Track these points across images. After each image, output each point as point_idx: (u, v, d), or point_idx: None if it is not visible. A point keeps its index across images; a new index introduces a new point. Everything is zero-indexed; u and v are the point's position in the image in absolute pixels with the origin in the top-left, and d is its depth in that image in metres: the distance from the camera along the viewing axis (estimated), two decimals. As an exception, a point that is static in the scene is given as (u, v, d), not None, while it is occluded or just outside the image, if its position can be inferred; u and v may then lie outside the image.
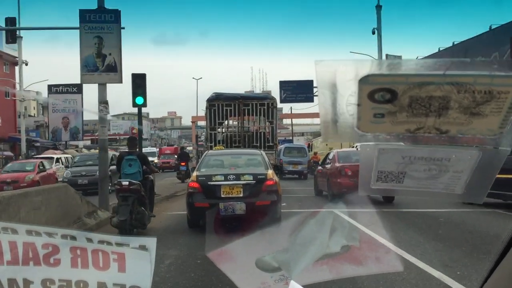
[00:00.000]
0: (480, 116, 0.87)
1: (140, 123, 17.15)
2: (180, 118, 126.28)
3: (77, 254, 2.03)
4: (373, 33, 30.86)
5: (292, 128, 61.12)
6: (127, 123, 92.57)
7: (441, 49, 30.50)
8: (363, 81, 0.85)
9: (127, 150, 10.31)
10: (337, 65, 0.86)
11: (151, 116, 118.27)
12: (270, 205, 9.08)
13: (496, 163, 1.00)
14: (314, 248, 1.86)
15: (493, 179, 1.03)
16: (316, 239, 1.56)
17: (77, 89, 50.62)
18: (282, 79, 48.93)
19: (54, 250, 2.04)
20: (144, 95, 15.43)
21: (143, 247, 2.07)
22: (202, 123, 50.86)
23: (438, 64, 0.83)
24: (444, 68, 0.82)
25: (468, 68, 0.83)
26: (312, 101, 47.66)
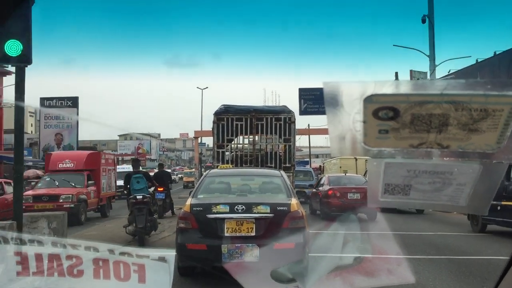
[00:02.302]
0: (478, 132, 0.94)
1: (19, 98, 7.51)
2: (192, 139, 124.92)
3: (99, 265, 2.12)
4: (423, 21, 26.52)
5: (309, 147, 51.52)
6: (134, 143, 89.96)
7: (479, 60, 26.35)
8: (368, 100, 0.92)
9: (133, 170, 11.95)
10: (343, 86, 0.94)
11: (163, 137, 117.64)
12: (295, 249, 6.34)
13: (496, 177, 1.06)
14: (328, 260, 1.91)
15: (494, 191, 1.09)
16: None
17: (72, 102, 46.67)
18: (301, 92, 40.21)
19: (77, 261, 2.13)
20: (25, 38, 7.15)
21: (162, 259, 2.15)
22: (207, 139, 39.72)
23: (436, 84, 0.90)
24: (441, 88, 0.89)
25: (464, 88, 0.90)
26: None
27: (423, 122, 0.94)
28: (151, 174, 15.29)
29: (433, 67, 25.67)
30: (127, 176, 11.66)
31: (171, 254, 2.26)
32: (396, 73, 29.68)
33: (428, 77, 24.37)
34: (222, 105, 15.91)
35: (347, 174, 19.30)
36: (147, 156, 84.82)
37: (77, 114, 47.31)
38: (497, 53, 25.07)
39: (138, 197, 10.77)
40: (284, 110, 16.26)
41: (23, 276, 2.20)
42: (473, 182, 1.08)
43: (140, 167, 12.73)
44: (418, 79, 28.47)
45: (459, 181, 1.09)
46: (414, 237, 11.29)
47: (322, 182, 18.11)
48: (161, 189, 16.10)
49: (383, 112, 0.94)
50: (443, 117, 0.93)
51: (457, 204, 1.15)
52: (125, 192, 11.84)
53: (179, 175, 64.61)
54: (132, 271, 2.16)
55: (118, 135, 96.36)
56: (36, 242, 2.23)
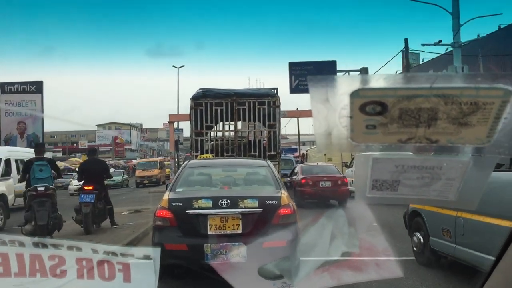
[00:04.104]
0: (468, 126, 0.91)
1: None
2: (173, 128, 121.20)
3: (83, 265, 2.07)
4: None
5: (298, 133, 46.81)
6: (113, 133, 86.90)
7: (481, 35, 24.52)
8: (354, 95, 0.89)
9: (36, 156, 10.05)
10: (329, 80, 0.91)
11: (145, 127, 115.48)
12: (286, 247, 5.40)
13: (486, 171, 1.04)
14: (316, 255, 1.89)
15: (484, 186, 1.07)
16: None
17: (36, 87, 42.75)
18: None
19: (60, 261, 2.08)
20: None
21: (147, 257, 2.11)
22: (184, 125, 33.80)
23: (425, 77, 0.88)
24: (431, 81, 0.86)
25: (454, 81, 0.87)
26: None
27: (412, 116, 0.92)
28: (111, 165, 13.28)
29: (457, 26, 21.48)
30: (27, 163, 9.86)
31: (156, 250, 2.21)
32: (406, 40, 27.28)
33: (452, 39, 21.35)
34: (200, 89, 14.66)
35: (319, 164, 20.24)
36: (125, 146, 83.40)
37: (42, 99, 43.50)
38: (502, 27, 23.24)
39: (39, 188, 9.10)
40: (268, 93, 15.17)
41: (4, 277, 2.14)
42: (462, 176, 1.06)
43: (45, 154, 10.58)
44: (411, 62, 27.45)
45: (448, 175, 1.07)
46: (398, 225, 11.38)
47: (296, 171, 19.14)
48: (90, 187, 10.57)
49: (370, 106, 0.91)
50: (432, 111, 0.90)
51: (446, 199, 1.13)
52: (21, 181, 10.10)
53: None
54: (117, 270, 2.12)
55: (96, 125, 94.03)
56: (17, 243, 2.17)
